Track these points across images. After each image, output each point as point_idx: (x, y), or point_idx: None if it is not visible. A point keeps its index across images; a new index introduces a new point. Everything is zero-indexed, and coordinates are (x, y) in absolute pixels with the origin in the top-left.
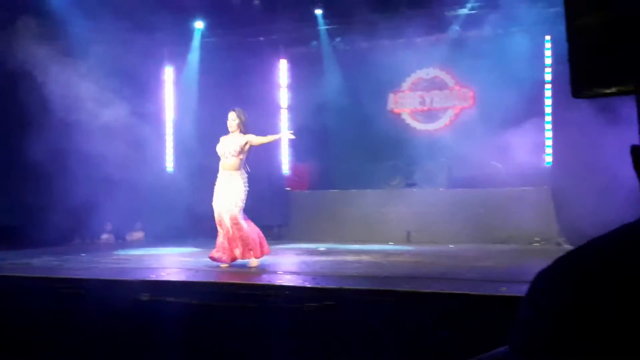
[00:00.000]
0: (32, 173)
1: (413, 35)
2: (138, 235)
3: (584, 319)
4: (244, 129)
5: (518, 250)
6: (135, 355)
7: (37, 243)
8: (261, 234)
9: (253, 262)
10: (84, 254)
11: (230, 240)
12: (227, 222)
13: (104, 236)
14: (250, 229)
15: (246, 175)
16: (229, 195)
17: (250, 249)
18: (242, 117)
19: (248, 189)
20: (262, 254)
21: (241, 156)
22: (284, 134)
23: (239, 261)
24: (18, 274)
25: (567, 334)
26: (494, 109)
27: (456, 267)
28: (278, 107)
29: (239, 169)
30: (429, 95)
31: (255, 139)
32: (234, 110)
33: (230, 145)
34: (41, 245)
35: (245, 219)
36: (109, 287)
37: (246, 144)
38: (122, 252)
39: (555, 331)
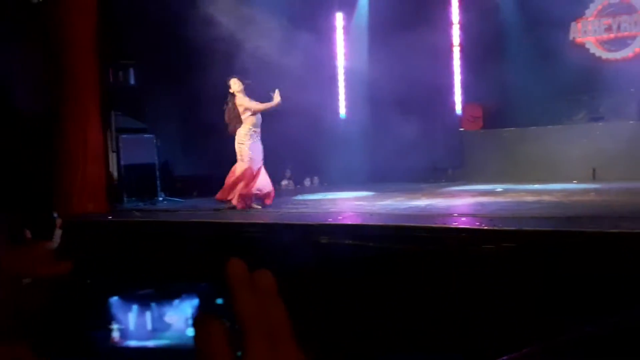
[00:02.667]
0: (216, 128)
1: None
2: (285, 183)
3: None
4: (241, 94)
5: None
6: (315, 294)
7: None
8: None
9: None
10: None
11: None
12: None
13: (284, 182)
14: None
15: (248, 134)
16: (238, 151)
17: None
18: (236, 86)
19: (249, 144)
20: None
21: (245, 114)
22: (276, 100)
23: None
24: (207, 220)
25: None
26: None
27: None
28: (451, 46)
29: (244, 126)
30: (616, 21)
31: (249, 104)
32: (229, 78)
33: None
34: None
35: (249, 173)
36: (290, 230)
37: (240, 106)
38: (301, 198)
39: None
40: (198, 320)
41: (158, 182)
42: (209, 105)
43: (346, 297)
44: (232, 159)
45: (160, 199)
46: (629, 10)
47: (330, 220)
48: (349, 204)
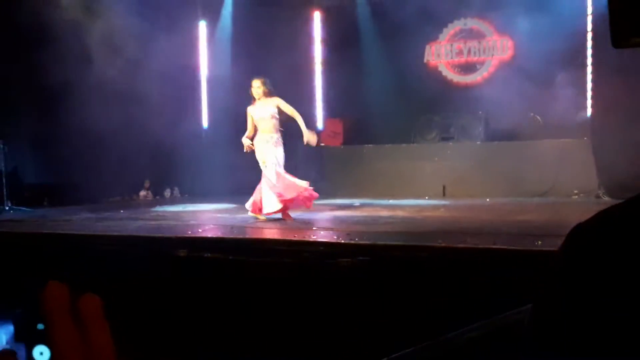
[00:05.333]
0: (70, 132)
1: None
2: (144, 194)
3: (618, 281)
4: (271, 93)
5: (556, 203)
6: (172, 310)
7: (78, 201)
8: (299, 194)
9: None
10: (122, 211)
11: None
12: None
13: (142, 193)
14: (284, 187)
15: (280, 136)
16: (270, 155)
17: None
18: (268, 84)
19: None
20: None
21: (277, 117)
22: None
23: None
24: (58, 232)
25: (599, 295)
26: (533, 60)
27: (492, 221)
28: (312, 61)
29: (277, 131)
30: (467, 47)
31: (286, 108)
32: (258, 78)
33: (266, 110)
34: (81, 202)
35: (282, 177)
36: (147, 243)
37: (277, 107)
38: (160, 209)
39: (586, 290)
40: None
41: (5, 190)
42: (62, 108)
43: (203, 311)
44: (87, 165)
45: (7, 208)
46: (479, 36)
47: (189, 233)
48: (210, 216)
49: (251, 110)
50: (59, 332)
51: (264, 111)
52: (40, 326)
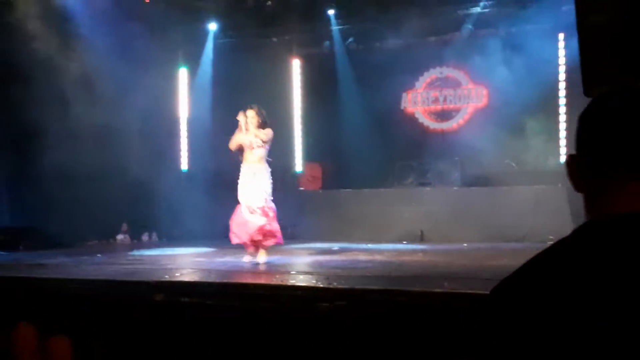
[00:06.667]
0: (46, 174)
1: (426, 34)
2: (121, 237)
3: (536, 324)
4: (265, 124)
5: (532, 248)
6: (149, 355)
7: (54, 245)
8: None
9: (261, 256)
10: (99, 255)
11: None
12: (253, 212)
13: (119, 237)
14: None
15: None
16: (257, 187)
17: (270, 238)
18: (262, 115)
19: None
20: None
21: (266, 147)
22: None
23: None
24: (33, 276)
25: (520, 335)
26: (507, 108)
27: (469, 266)
28: (292, 107)
29: (264, 162)
30: (443, 94)
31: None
32: (252, 108)
33: (257, 140)
34: (57, 246)
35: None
36: (123, 287)
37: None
38: (137, 253)
39: (502, 344)
40: None
41: None
42: (38, 150)
43: (179, 357)
44: (64, 209)
45: None
46: (455, 85)
47: (166, 277)
48: (187, 260)
49: (241, 136)
50: None
51: (254, 140)
52: None
